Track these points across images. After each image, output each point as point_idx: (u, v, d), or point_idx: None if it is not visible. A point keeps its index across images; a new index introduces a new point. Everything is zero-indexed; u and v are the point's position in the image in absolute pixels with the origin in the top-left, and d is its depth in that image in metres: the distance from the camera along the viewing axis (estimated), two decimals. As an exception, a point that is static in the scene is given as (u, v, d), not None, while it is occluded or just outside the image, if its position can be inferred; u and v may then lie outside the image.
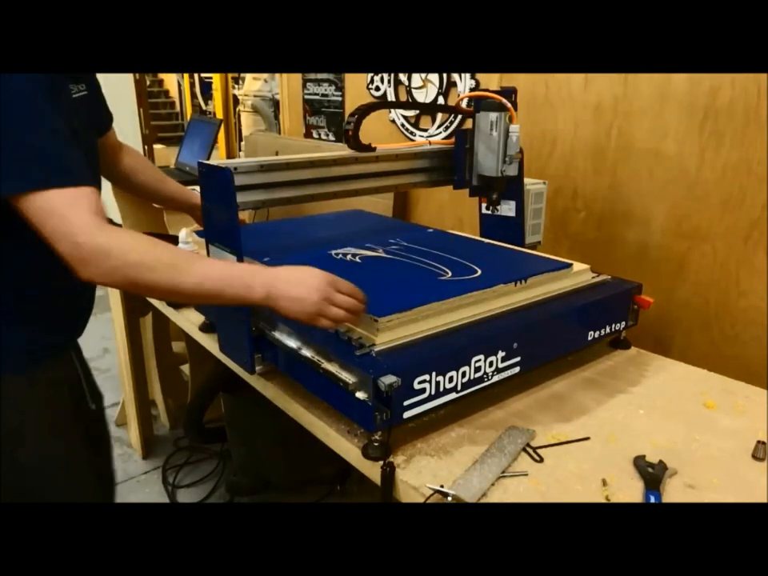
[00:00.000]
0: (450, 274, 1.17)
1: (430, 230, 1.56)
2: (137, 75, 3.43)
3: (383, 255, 1.30)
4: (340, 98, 2.53)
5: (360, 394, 0.90)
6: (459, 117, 2.02)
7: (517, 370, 1.06)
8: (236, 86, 4.83)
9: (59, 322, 1.07)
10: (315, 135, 2.74)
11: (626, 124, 1.59)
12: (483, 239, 1.48)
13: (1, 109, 0.79)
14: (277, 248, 1.34)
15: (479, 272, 1.18)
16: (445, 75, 2.04)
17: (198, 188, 1.12)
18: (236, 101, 4.73)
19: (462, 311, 1.07)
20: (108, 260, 0.82)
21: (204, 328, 1.36)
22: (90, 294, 1.14)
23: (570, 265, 1.26)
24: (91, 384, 1.19)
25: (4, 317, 0.96)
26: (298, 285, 0.89)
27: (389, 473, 0.88)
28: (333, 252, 1.31)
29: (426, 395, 0.94)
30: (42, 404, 1.02)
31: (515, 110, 1.26)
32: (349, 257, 1.28)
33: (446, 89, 2.04)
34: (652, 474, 0.87)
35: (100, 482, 1.20)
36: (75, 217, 0.82)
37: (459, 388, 0.99)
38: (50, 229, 0.82)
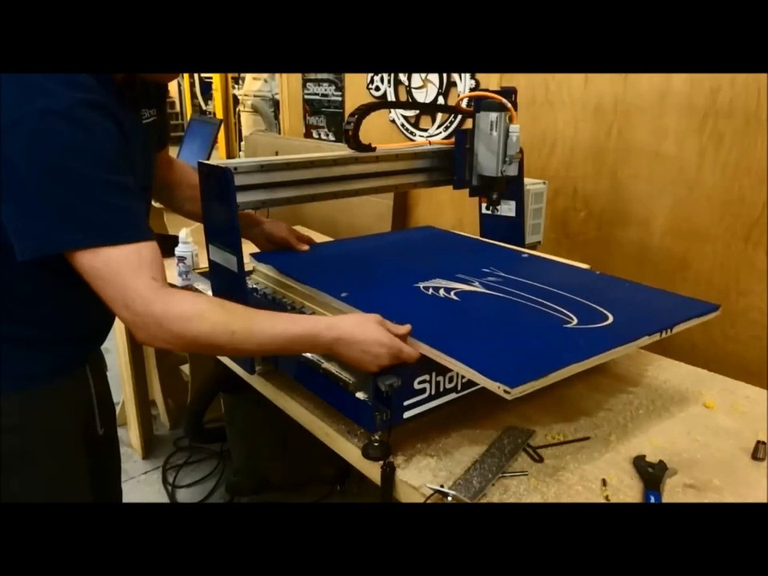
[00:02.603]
0: (575, 320, 0.97)
1: (525, 255, 1.35)
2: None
3: (482, 290, 1.10)
4: (340, 98, 2.53)
5: (360, 394, 0.90)
6: (459, 117, 2.02)
7: (517, 370, 1.06)
8: (236, 86, 4.83)
9: (74, 342, 1.01)
10: (315, 135, 2.74)
11: (626, 124, 1.59)
12: (586, 267, 1.29)
13: (73, 161, 0.77)
14: (352, 279, 1.15)
15: (611, 318, 0.98)
16: (445, 75, 2.04)
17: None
18: (236, 101, 4.72)
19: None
20: (165, 329, 0.81)
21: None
22: (111, 318, 1.09)
23: (718, 307, 1.06)
24: (105, 404, 1.13)
25: (13, 336, 0.92)
26: (359, 350, 0.86)
27: (389, 473, 0.88)
28: (421, 285, 1.11)
29: (426, 395, 0.94)
30: (44, 426, 0.96)
31: (515, 110, 1.26)
32: (441, 291, 1.09)
33: (446, 89, 2.04)
34: (652, 473, 0.87)
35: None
36: (134, 283, 0.79)
37: (459, 388, 0.99)
38: (111, 294, 0.80)
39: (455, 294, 1.08)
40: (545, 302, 1.05)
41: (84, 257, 0.79)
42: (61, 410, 0.99)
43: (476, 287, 1.11)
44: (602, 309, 1.02)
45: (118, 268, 0.80)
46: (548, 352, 0.88)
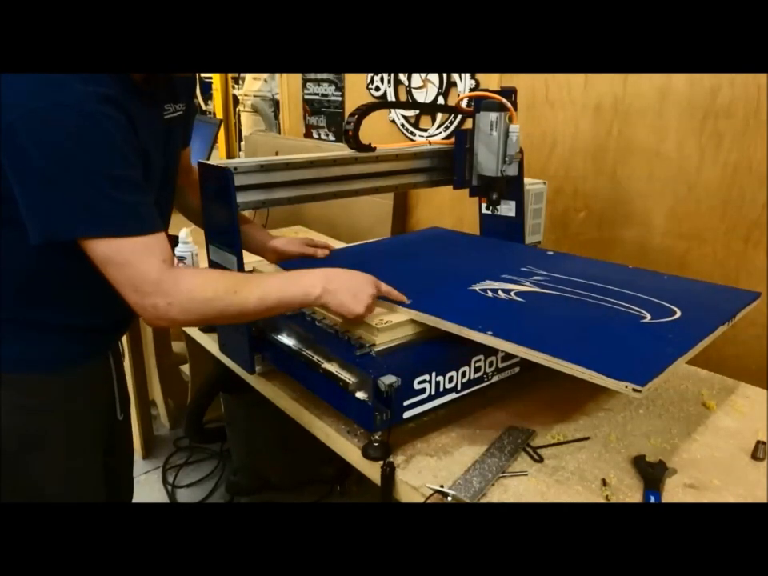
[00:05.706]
0: (649, 316, 0.97)
1: (550, 253, 1.33)
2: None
3: (539, 290, 1.07)
4: (340, 98, 2.53)
5: (360, 394, 0.90)
6: (459, 117, 2.02)
7: (517, 370, 1.06)
8: (236, 86, 4.82)
9: (100, 330, 1.05)
10: (315, 135, 2.74)
11: (626, 124, 1.59)
12: (611, 263, 1.29)
13: (81, 152, 0.79)
14: (402, 285, 1.05)
15: (678, 312, 0.98)
16: (445, 75, 2.04)
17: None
18: (236, 101, 4.72)
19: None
20: (179, 301, 0.84)
21: (204, 328, 1.36)
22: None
23: (759, 295, 1.09)
24: (123, 391, 1.16)
25: (44, 321, 0.95)
26: (345, 279, 0.97)
27: (389, 473, 0.88)
28: (476, 287, 1.08)
29: (426, 395, 0.94)
30: (67, 410, 1.00)
31: (515, 110, 1.26)
32: (500, 293, 1.05)
33: (446, 89, 2.04)
34: (652, 473, 0.87)
35: (112, 497, 1.18)
36: (144, 266, 0.83)
37: (459, 388, 0.99)
38: (122, 278, 0.83)
39: (515, 294, 1.05)
40: (607, 298, 1.03)
41: (92, 244, 0.83)
42: (83, 394, 1.02)
43: (530, 287, 1.09)
44: (664, 303, 1.01)
45: (129, 253, 0.83)
46: (649, 347, 0.87)
